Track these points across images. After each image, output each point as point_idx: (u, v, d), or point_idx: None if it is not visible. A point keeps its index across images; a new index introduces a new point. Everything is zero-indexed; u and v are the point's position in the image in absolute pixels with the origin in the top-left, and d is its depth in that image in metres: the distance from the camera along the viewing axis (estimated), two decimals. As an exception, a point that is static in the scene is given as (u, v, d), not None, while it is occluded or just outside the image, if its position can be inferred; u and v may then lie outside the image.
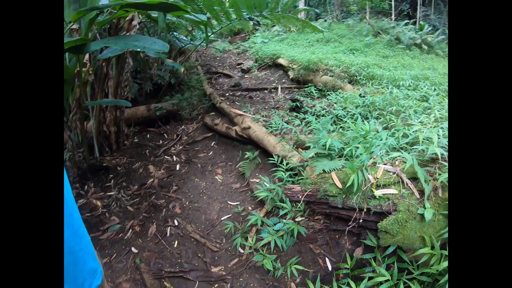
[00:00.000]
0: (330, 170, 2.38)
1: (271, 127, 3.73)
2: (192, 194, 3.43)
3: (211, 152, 4.25)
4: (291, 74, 6.50)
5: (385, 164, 2.30)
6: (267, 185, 3.03)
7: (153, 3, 2.36)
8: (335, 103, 4.16)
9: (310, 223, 2.74)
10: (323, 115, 3.83)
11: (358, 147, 2.42)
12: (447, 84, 4.58)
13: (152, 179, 3.66)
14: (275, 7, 5.06)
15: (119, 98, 4.17)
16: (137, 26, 4.01)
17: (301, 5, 11.59)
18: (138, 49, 2.31)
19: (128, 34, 3.85)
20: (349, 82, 5.37)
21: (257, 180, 3.41)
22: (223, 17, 5.26)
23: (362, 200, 2.21)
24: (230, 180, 3.65)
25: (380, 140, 2.47)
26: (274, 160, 3.21)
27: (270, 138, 3.52)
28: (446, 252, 1.76)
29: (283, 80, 6.58)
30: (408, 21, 9.74)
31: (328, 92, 5.30)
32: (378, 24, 9.43)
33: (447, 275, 1.66)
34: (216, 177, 3.71)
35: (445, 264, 1.72)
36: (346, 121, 3.50)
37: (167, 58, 4.72)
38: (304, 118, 3.89)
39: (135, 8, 2.91)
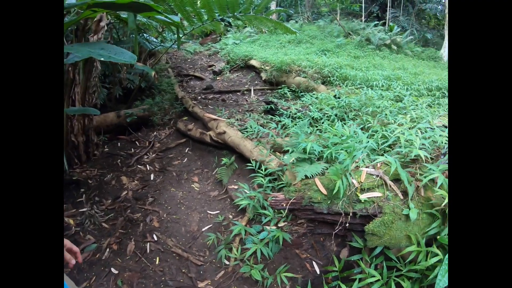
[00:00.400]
0: (312, 176, 2.35)
1: (246, 131, 3.66)
2: (169, 205, 3.29)
3: (185, 159, 4.12)
4: (263, 75, 6.46)
5: (367, 167, 2.30)
6: (247, 192, 2.96)
7: (123, 2, 2.21)
8: (310, 104, 4.15)
9: (293, 228, 2.71)
10: (299, 118, 3.81)
11: (339, 152, 2.41)
12: (418, 83, 4.72)
13: (126, 192, 3.48)
14: (248, 8, 5.00)
15: (87, 105, 3.95)
16: (105, 28, 3.82)
17: (273, 6, 11.62)
18: (102, 59, 2.17)
19: (95, 36, 3.65)
20: (323, 83, 5.41)
21: (236, 187, 3.34)
22: (195, 18, 5.14)
23: (348, 204, 2.19)
24: (207, 188, 3.55)
25: (360, 143, 2.47)
26: (252, 166, 3.15)
27: (246, 143, 3.46)
28: (432, 249, 1.80)
29: (256, 82, 6.53)
30: (377, 22, 10.01)
31: (302, 93, 5.31)
32: (348, 25, 9.63)
33: (435, 270, 1.72)
34: (193, 185, 3.60)
35: (432, 260, 1.76)
36: (323, 123, 3.51)
37: (136, 61, 4.52)
38: (279, 121, 3.85)
39: (103, 8, 2.74)
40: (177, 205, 3.29)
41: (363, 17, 11.45)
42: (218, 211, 3.17)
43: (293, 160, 2.55)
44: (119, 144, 4.55)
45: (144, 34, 5.50)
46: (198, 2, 4.93)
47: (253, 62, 7.10)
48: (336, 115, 3.60)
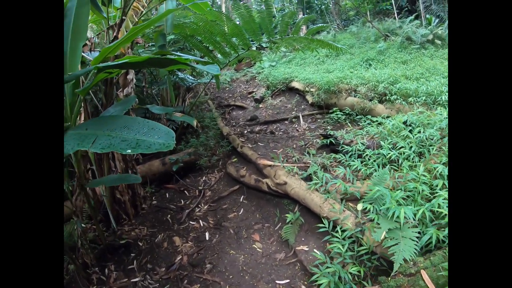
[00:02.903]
0: (412, 258, 1.84)
1: (311, 181, 3.17)
2: (230, 273, 2.88)
3: (241, 211, 3.71)
4: (309, 98, 5.97)
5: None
6: (323, 261, 2.50)
7: (139, 61, 1.79)
8: (377, 136, 3.60)
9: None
10: (368, 156, 3.28)
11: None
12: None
13: (180, 256, 3.12)
14: (285, 30, 4.60)
15: (128, 159, 3.70)
16: (134, 81, 3.55)
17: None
18: (129, 152, 1.58)
19: (124, 90, 3.37)
20: (380, 102, 4.82)
21: (305, 248, 2.88)
22: (227, 47, 4.82)
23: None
24: (271, 248, 3.10)
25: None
26: (324, 226, 2.71)
27: (313, 196, 2.99)
28: None
29: (302, 106, 6.05)
30: (411, 17, 9.13)
31: (358, 116, 4.76)
32: (383, 26, 8.88)
33: None
34: (255, 245, 3.17)
35: None
36: (401, 164, 2.96)
37: (175, 112, 4.23)
38: (347, 163, 3.33)
39: (118, 69, 2.44)
40: (240, 273, 2.87)
41: (395, 15, 10.53)
42: (288, 280, 2.71)
43: (384, 235, 2.04)
44: (167, 194, 4.26)
45: (178, 73, 5.26)
46: (226, 28, 4.60)
47: (295, 84, 6.64)
48: (414, 151, 3.03)
